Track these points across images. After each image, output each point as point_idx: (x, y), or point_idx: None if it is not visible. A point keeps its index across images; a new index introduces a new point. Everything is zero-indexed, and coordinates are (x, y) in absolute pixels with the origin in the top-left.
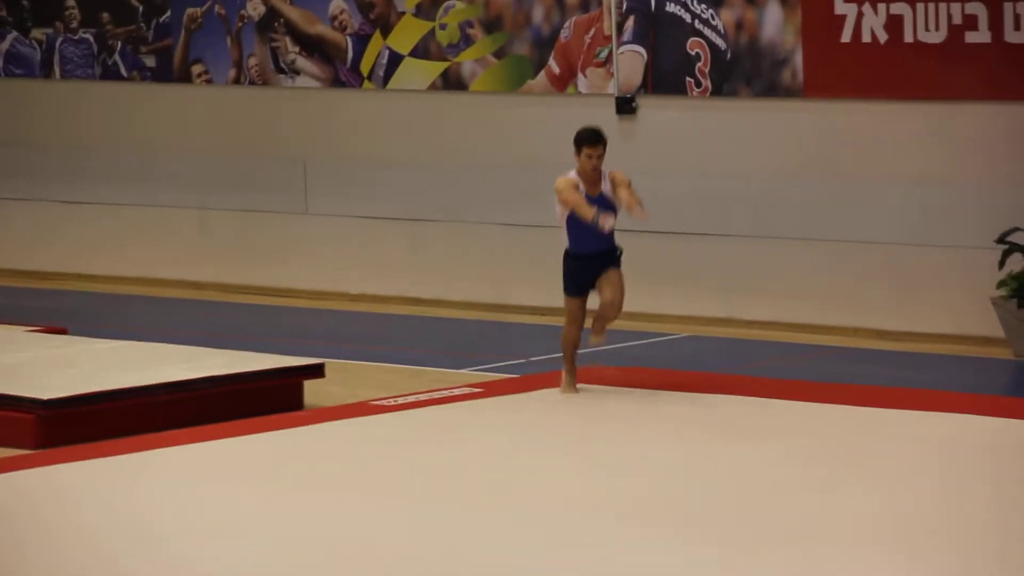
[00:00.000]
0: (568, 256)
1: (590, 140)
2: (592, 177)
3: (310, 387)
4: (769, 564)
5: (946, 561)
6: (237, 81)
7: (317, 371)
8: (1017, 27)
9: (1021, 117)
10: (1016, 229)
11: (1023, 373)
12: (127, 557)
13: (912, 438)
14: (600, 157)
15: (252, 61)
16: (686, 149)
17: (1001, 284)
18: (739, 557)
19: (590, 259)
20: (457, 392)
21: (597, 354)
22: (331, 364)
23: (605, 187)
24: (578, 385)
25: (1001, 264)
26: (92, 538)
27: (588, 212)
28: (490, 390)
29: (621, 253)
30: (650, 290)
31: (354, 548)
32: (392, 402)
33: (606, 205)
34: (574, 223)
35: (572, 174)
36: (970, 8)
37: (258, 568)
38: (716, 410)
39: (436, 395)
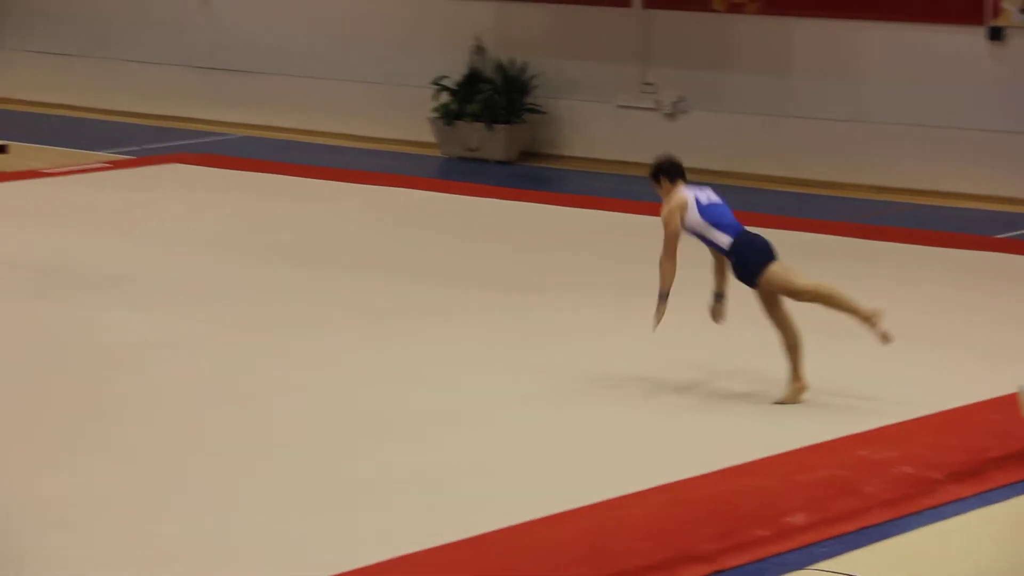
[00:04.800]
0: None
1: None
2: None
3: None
4: None
5: None
6: None
7: (2, 149)
8: None
9: None
10: (444, 76)
11: None
12: None
13: None
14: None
15: None
16: None
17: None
18: None
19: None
20: (96, 165)
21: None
22: (12, 145)
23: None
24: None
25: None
26: None
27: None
28: (116, 165)
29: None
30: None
31: None
32: (54, 170)
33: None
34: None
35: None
36: None
37: None
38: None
39: (82, 166)
